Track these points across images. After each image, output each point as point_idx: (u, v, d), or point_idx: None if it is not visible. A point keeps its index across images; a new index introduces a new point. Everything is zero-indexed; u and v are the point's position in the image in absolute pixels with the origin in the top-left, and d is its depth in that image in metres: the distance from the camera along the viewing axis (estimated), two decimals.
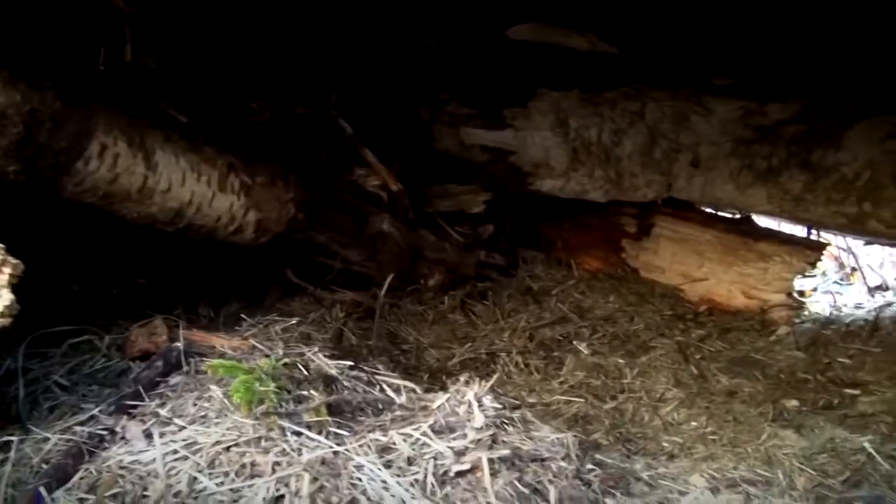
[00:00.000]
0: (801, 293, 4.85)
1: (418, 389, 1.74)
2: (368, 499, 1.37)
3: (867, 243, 4.19)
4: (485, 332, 3.07)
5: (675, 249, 3.78)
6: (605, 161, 3.43)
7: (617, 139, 3.38)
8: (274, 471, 1.46)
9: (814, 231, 3.83)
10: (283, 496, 1.42)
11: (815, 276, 5.35)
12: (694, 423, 2.64)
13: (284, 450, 1.53)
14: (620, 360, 3.07)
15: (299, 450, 1.52)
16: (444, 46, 3.13)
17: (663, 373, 3.01)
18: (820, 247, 3.66)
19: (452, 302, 3.25)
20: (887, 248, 4.83)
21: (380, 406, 1.62)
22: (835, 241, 4.87)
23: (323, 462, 1.48)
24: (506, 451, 1.40)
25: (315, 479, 1.42)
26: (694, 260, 3.74)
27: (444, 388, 1.73)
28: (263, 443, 1.54)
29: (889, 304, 4.09)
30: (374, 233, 2.97)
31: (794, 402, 2.88)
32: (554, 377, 2.88)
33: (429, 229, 3.25)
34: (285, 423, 1.57)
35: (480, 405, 1.59)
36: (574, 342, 3.16)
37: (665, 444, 2.49)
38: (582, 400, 2.72)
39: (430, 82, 3.38)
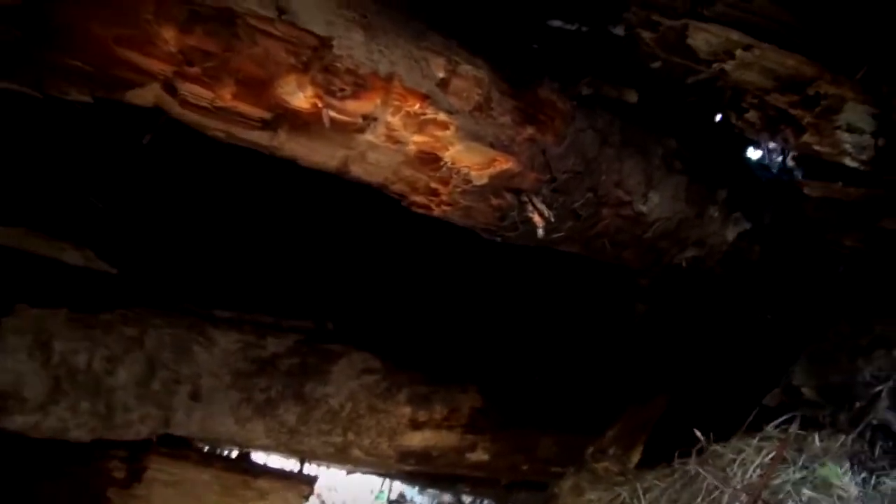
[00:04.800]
0: None
1: None
2: None
3: (349, 472, 4.57)
4: None
5: (169, 495, 3.41)
6: (94, 392, 3.02)
7: (111, 367, 3.05)
8: None
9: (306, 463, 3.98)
10: None
11: None
12: None
13: None
14: None
15: None
16: None
17: None
18: (311, 480, 3.80)
19: None
20: (367, 486, 5.37)
21: None
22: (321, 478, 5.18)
23: None
24: None
25: None
26: None
27: None
28: None
29: None
30: None
31: None
32: None
33: None
34: None
35: None
36: None
37: None
38: None
39: None
